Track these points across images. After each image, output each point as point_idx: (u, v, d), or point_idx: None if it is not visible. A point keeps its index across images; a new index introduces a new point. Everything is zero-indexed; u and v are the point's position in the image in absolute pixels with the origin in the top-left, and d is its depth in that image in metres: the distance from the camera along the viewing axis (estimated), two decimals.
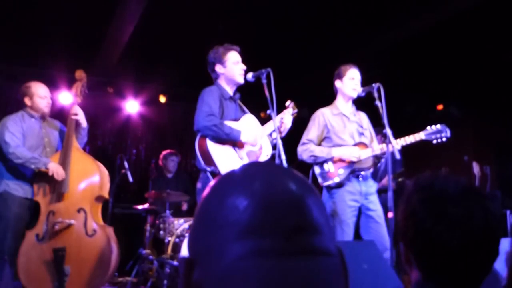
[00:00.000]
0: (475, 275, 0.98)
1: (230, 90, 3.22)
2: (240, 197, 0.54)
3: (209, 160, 2.96)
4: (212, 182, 0.60)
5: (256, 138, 3.07)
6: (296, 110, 3.38)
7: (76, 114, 3.62)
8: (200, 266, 0.54)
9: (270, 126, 3.21)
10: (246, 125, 3.18)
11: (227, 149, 3.02)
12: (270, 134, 3.31)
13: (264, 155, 3.19)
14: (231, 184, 0.58)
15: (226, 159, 2.97)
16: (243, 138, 3.00)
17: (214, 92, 3.13)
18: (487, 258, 0.97)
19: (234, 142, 3.01)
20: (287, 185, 0.56)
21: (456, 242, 0.94)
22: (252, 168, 0.60)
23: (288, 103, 3.36)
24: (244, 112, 3.33)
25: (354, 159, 3.37)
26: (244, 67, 3.20)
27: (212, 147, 2.98)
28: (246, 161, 3.03)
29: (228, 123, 3.07)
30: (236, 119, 3.18)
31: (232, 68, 3.17)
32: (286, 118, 3.25)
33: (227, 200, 0.55)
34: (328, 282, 0.52)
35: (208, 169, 2.96)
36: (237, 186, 0.56)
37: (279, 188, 0.55)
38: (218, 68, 3.20)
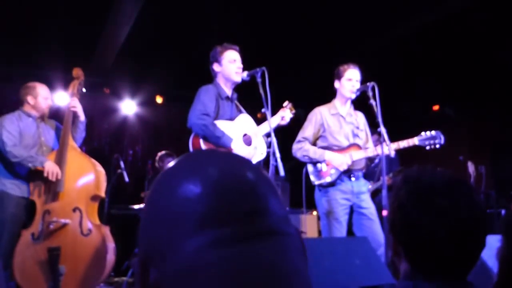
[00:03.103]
0: (463, 265, 0.99)
1: (228, 90, 3.23)
2: (190, 186, 0.51)
3: None
4: (158, 175, 0.57)
5: (248, 155, 3.06)
6: (294, 111, 3.40)
7: (74, 106, 3.65)
8: (155, 266, 0.51)
9: (266, 126, 3.22)
10: (241, 125, 3.18)
11: (221, 148, 3.03)
12: (266, 135, 3.32)
13: (259, 155, 3.20)
14: (179, 174, 0.54)
15: None
16: (233, 146, 3.00)
17: (211, 91, 3.14)
18: (474, 248, 0.99)
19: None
20: (236, 170, 0.54)
21: (443, 232, 0.96)
22: (198, 156, 0.58)
23: (285, 104, 3.38)
24: (240, 112, 3.34)
25: (342, 169, 3.38)
26: (241, 66, 3.21)
27: (205, 145, 3.00)
28: None
29: (223, 123, 3.08)
30: (232, 119, 3.18)
31: (227, 66, 3.18)
32: (287, 116, 3.31)
33: (176, 191, 0.52)
34: (291, 260, 0.51)
35: None
36: (186, 175, 0.53)
37: (228, 173, 0.53)
38: (215, 66, 3.23)
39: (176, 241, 0.50)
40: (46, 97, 3.74)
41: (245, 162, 0.57)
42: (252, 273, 0.48)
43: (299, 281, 0.51)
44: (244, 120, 3.25)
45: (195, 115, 3.01)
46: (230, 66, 3.18)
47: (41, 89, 3.73)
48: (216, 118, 3.11)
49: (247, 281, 0.48)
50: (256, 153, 3.18)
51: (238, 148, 3.03)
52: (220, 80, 3.23)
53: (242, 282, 0.48)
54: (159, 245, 0.51)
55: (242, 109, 3.35)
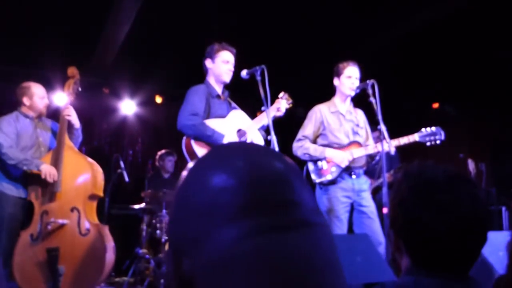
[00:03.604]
0: (464, 261, 0.98)
1: (218, 88, 3.23)
2: (224, 177, 0.52)
3: (195, 158, 2.98)
4: (188, 167, 0.57)
5: None
6: (291, 101, 3.38)
7: (69, 115, 3.62)
8: (188, 255, 0.52)
9: (260, 119, 3.21)
10: (233, 121, 3.16)
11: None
12: (263, 128, 3.32)
13: None
14: (211, 165, 0.55)
15: None
16: (225, 142, 2.99)
17: (200, 90, 3.14)
18: (475, 243, 0.98)
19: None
20: (269, 161, 0.55)
21: (445, 228, 0.95)
22: (229, 148, 0.59)
23: (281, 95, 3.38)
24: (233, 109, 3.33)
25: (344, 165, 3.38)
26: (232, 69, 3.20)
27: (197, 146, 3.00)
28: None
29: (214, 121, 3.07)
30: (224, 116, 3.17)
31: (220, 65, 3.18)
32: (282, 106, 3.28)
33: (210, 182, 0.52)
34: (324, 251, 0.52)
35: None
36: (218, 166, 0.54)
37: (262, 164, 0.54)
38: (208, 62, 3.23)
39: (212, 231, 0.50)
40: (41, 96, 3.71)
41: (277, 154, 0.57)
42: (288, 262, 0.49)
43: (333, 271, 0.52)
44: (237, 116, 3.23)
45: (184, 116, 3.01)
46: (223, 66, 3.18)
47: (36, 89, 3.70)
48: (208, 117, 3.10)
49: (284, 270, 0.48)
50: None
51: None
52: (211, 78, 3.24)
53: (278, 271, 0.48)
54: (193, 234, 0.51)
55: (235, 106, 3.34)
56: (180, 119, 3.02)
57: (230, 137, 3.05)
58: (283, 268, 0.49)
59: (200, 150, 3.00)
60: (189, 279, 0.52)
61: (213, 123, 3.07)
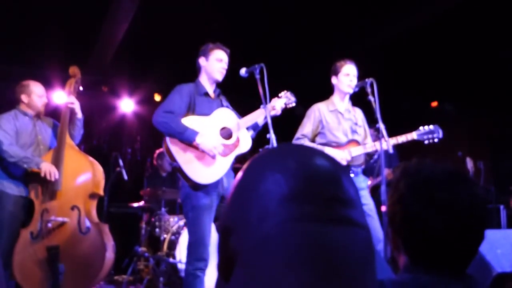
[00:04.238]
0: (462, 258, 0.99)
1: (209, 87, 3.20)
2: (280, 171, 0.56)
3: (171, 156, 2.97)
4: (249, 161, 0.62)
5: (214, 147, 2.94)
6: (293, 100, 3.35)
7: (72, 103, 3.63)
8: (237, 233, 0.56)
9: (249, 118, 3.17)
10: (218, 119, 3.11)
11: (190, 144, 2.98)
12: (256, 126, 3.29)
13: (242, 148, 3.12)
14: (269, 161, 0.59)
15: (185, 155, 2.94)
16: (198, 140, 2.92)
17: (183, 89, 3.11)
18: (473, 241, 0.99)
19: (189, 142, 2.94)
20: (322, 162, 0.59)
21: (443, 226, 0.96)
22: (286, 148, 0.63)
23: (282, 93, 3.36)
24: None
25: (343, 164, 3.39)
26: (225, 67, 3.18)
27: (171, 144, 2.96)
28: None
29: (195, 118, 3.03)
30: (208, 114, 3.12)
31: (213, 63, 3.16)
32: (277, 105, 3.23)
33: (267, 174, 0.57)
34: (363, 252, 0.55)
35: (174, 164, 2.98)
36: (275, 162, 0.58)
37: (316, 163, 0.58)
38: (201, 60, 3.21)
39: (262, 211, 0.54)
40: (40, 95, 3.71)
41: (327, 155, 0.61)
42: (327, 252, 0.52)
43: (367, 272, 0.55)
44: (223, 114, 3.16)
45: (158, 113, 2.99)
46: (216, 64, 3.16)
47: (34, 87, 3.70)
48: (192, 114, 3.06)
49: (321, 258, 0.51)
50: (238, 145, 3.12)
51: (208, 141, 2.93)
52: (203, 77, 3.21)
53: (315, 258, 0.51)
54: (244, 214, 0.56)
55: (228, 105, 3.28)
56: (154, 116, 2.99)
57: (210, 135, 2.98)
58: (322, 257, 0.52)
59: (174, 148, 2.95)
60: (233, 255, 0.56)
61: (193, 121, 3.01)
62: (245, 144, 3.15)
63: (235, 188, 0.61)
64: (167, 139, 2.98)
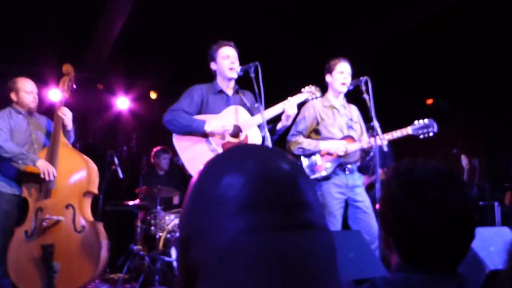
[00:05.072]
0: (453, 257, 1.00)
1: (225, 85, 3.22)
2: (235, 175, 0.55)
3: (176, 152, 3.09)
4: (204, 164, 0.60)
5: (225, 125, 3.00)
6: (317, 96, 3.32)
7: (64, 114, 3.59)
8: (196, 244, 0.54)
9: (260, 117, 3.17)
10: (228, 117, 3.13)
11: (196, 140, 3.04)
12: (260, 126, 3.29)
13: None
14: (224, 164, 0.58)
15: (189, 151, 3.02)
16: (207, 128, 2.99)
17: (195, 89, 3.18)
18: (464, 240, 0.99)
19: (204, 134, 3.02)
20: (279, 164, 0.57)
21: (434, 225, 0.96)
22: (243, 149, 0.61)
23: (306, 88, 3.31)
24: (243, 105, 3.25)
25: (341, 153, 3.40)
26: (234, 61, 3.18)
27: (176, 139, 3.07)
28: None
29: (206, 116, 3.08)
30: (220, 112, 3.15)
31: (221, 63, 3.18)
32: (290, 110, 3.12)
33: (222, 179, 0.55)
34: (324, 254, 0.55)
35: (179, 161, 3.11)
36: (231, 165, 0.56)
37: (272, 166, 0.56)
38: (213, 65, 3.25)
39: (218, 222, 0.53)
40: (28, 91, 3.63)
41: (286, 156, 0.60)
42: (288, 259, 0.52)
43: (330, 275, 0.55)
44: (234, 112, 3.17)
45: (168, 112, 3.08)
46: (224, 62, 3.17)
47: (22, 84, 3.63)
48: (206, 112, 3.12)
49: (283, 266, 0.51)
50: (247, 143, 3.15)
51: (217, 124, 2.98)
52: (218, 78, 3.25)
53: (277, 267, 0.51)
54: (201, 224, 0.54)
55: (245, 102, 3.26)
56: (163, 117, 3.10)
57: (216, 121, 3.06)
58: (281, 263, 0.51)
59: (179, 143, 3.05)
60: (194, 267, 0.54)
61: (204, 118, 3.08)
62: (253, 142, 3.16)
63: (190, 194, 0.59)
64: (174, 135, 3.07)
